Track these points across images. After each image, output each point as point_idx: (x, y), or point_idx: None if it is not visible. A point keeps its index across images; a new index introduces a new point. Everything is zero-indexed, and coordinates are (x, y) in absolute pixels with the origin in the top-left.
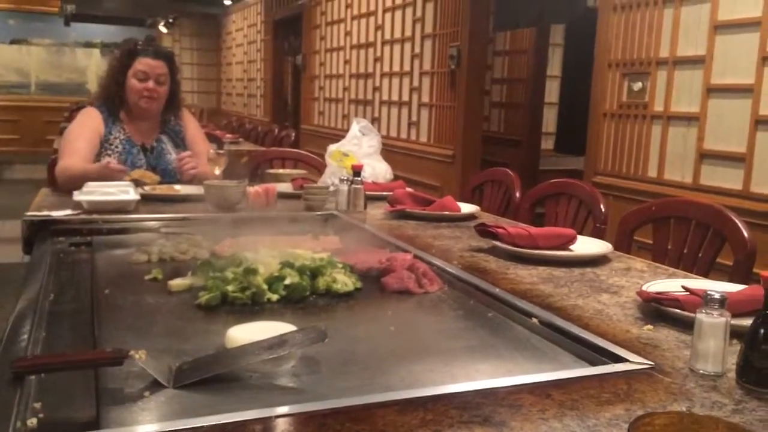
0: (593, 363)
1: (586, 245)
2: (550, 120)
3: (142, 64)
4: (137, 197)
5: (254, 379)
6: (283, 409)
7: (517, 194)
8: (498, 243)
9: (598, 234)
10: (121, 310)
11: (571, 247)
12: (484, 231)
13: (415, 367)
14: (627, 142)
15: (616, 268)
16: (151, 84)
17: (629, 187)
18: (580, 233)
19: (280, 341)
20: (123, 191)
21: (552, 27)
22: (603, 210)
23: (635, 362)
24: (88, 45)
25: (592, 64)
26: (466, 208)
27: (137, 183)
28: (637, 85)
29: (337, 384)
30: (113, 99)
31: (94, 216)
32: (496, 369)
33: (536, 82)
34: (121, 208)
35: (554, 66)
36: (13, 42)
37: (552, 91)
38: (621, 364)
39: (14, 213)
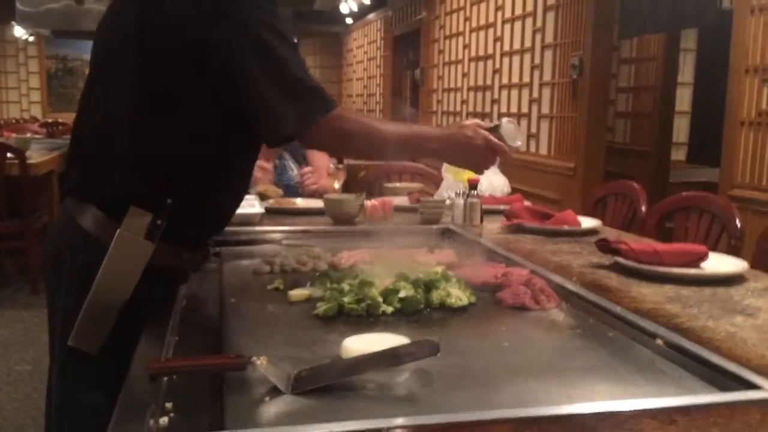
0: (723, 389)
1: (718, 263)
2: (681, 129)
3: None
4: (262, 210)
5: (368, 389)
6: (396, 421)
7: (643, 208)
8: (620, 259)
9: (733, 251)
10: (245, 318)
11: (702, 264)
12: (605, 246)
13: (529, 385)
14: None
15: (753, 288)
16: None
17: None
18: (713, 250)
19: (393, 353)
20: (249, 205)
21: (683, 32)
22: (739, 225)
23: None
24: None
25: (728, 69)
26: (587, 222)
27: (262, 197)
28: None
29: (449, 398)
30: None
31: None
32: (616, 391)
33: (665, 89)
34: (247, 220)
35: (686, 72)
36: None
37: (684, 99)
38: (754, 391)
39: None
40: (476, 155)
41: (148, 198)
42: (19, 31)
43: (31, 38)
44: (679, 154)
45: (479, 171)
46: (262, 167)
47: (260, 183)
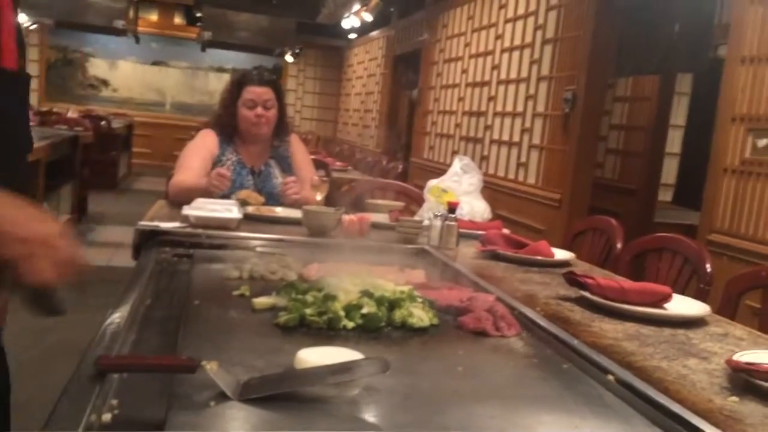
0: (666, 430)
1: (681, 305)
2: (670, 171)
3: (250, 92)
4: (240, 216)
5: (315, 402)
6: None
7: (619, 245)
8: (585, 293)
9: (701, 295)
10: (205, 321)
11: (666, 305)
12: (572, 279)
13: (476, 410)
14: (748, 201)
15: (712, 333)
16: (259, 110)
17: (748, 249)
18: (682, 293)
19: (344, 368)
20: (227, 209)
21: (679, 75)
22: (708, 270)
23: None
24: (220, 70)
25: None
26: (561, 254)
27: (243, 203)
28: (762, 142)
29: (394, 417)
30: (227, 126)
31: (199, 230)
32: (561, 423)
33: (657, 130)
34: (224, 225)
35: (678, 115)
36: (154, 63)
37: (674, 141)
38: None
39: (134, 221)
40: None
41: None
42: (22, 18)
43: (33, 26)
44: (666, 195)
45: None
46: (221, 174)
47: (219, 191)
